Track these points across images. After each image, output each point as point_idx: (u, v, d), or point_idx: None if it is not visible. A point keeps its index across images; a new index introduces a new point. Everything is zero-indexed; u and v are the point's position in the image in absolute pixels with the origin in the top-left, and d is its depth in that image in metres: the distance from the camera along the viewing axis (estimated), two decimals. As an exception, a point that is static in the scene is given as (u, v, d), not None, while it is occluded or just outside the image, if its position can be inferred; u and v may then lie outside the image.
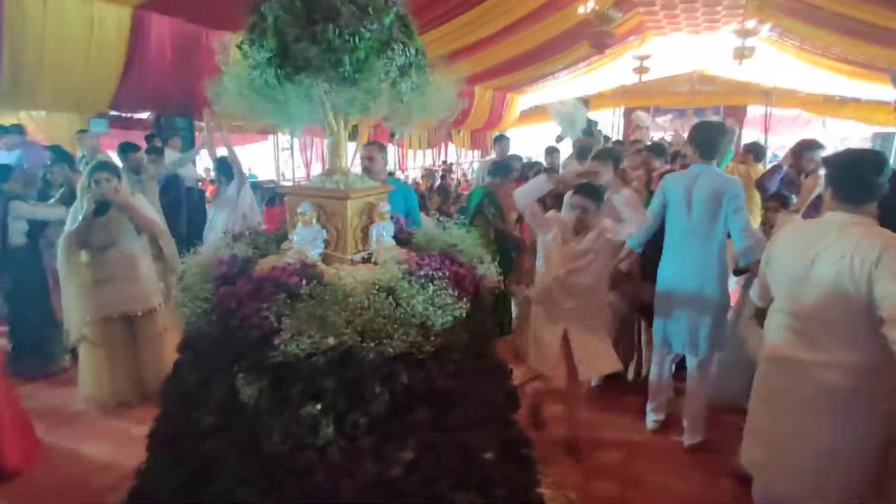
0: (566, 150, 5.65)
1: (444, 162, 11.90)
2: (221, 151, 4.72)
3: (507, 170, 4.32)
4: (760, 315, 2.51)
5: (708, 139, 2.90)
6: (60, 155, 4.91)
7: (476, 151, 12.69)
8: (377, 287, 1.64)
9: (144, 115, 7.26)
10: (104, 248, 3.16)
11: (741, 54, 9.18)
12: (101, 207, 3.09)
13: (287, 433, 1.53)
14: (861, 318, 1.74)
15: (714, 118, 11.57)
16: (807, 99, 11.57)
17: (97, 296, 3.20)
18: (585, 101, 6.15)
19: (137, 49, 5.48)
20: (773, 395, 1.99)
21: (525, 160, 6.13)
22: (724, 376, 3.23)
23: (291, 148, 9.22)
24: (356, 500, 1.51)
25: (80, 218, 3.02)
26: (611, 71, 11.39)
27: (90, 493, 2.67)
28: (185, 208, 5.99)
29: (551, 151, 5.74)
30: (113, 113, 6.55)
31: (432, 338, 1.63)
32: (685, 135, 4.04)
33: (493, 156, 6.51)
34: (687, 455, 2.97)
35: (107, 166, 3.19)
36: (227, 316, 1.65)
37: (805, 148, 3.80)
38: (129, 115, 7.07)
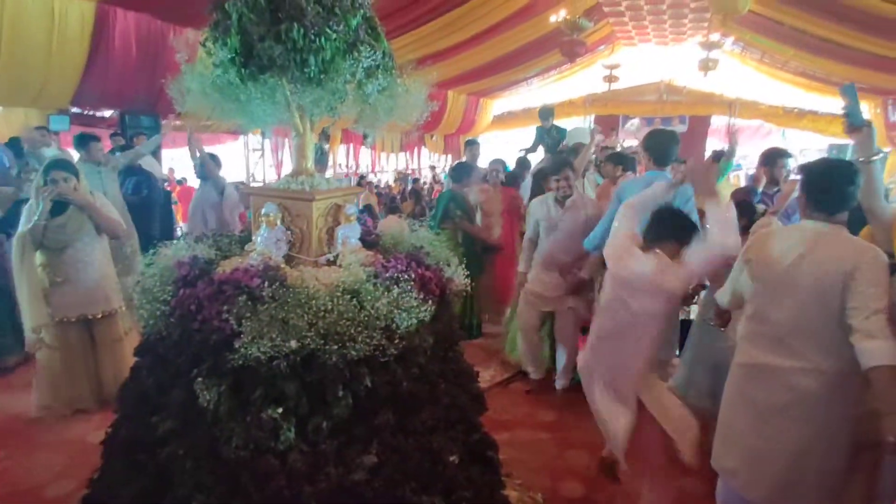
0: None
1: (412, 169, 11.92)
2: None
3: (467, 172, 4.42)
4: (721, 316, 2.57)
5: (662, 147, 2.98)
6: (17, 150, 4.73)
7: (448, 156, 12.74)
8: (341, 289, 1.63)
9: (108, 113, 7.06)
10: (61, 249, 3.04)
11: (706, 66, 9.47)
12: (58, 207, 2.98)
13: (247, 438, 1.51)
14: (835, 325, 1.77)
15: (681, 127, 11.94)
16: (767, 110, 12.04)
17: (54, 298, 3.07)
18: (550, 110, 6.25)
19: (101, 44, 5.33)
20: (747, 401, 2.00)
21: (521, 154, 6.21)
22: (689, 377, 3.31)
23: (263, 149, 9.09)
24: (318, 504, 1.49)
25: (35, 218, 2.90)
26: (581, 79, 11.61)
27: (44, 503, 2.57)
28: (157, 209, 5.83)
29: (522, 163, 5.86)
30: (75, 110, 6.35)
31: (397, 340, 1.63)
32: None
33: (463, 160, 6.57)
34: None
35: (64, 164, 3.07)
36: (187, 318, 1.62)
37: (777, 155, 3.93)
38: (91, 112, 6.86)
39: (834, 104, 10.81)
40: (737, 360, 2.09)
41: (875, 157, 1.99)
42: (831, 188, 1.88)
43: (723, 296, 2.26)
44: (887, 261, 1.78)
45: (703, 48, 9.51)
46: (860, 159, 1.99)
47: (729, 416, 2.10)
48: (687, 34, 10.38)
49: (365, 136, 8.77)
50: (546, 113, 6.24)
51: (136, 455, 1.63)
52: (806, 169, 2.04)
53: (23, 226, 2.95)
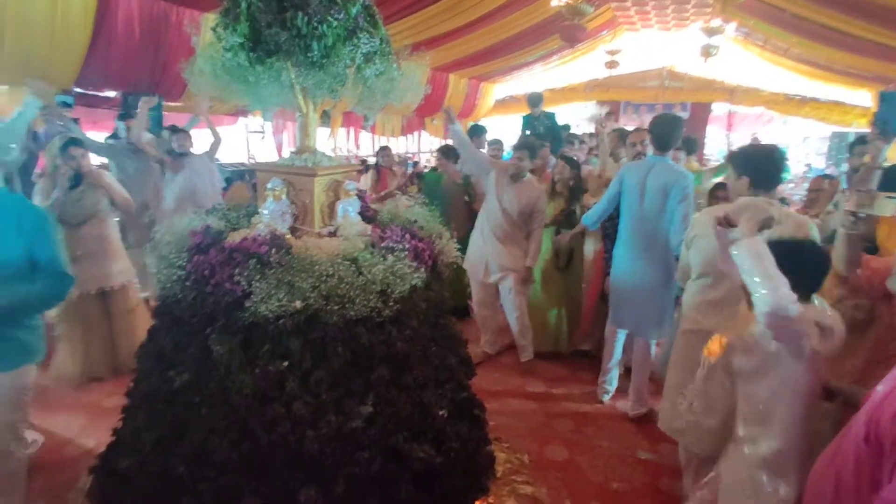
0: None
1: (412, 154, 11.98)
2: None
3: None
4: None
5: (665, 133, 3.07)
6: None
7: (449, 140, 12.79)
8: (341, 257, 1.79)
9: (111, 94, 7.15)
10: (78, 225, 3.20)
11: (707, 52, 9.50)
12: (73, 181, 3.13)
13: (256, 388, 1.68)
14: None
15: (682, 114, 11.97)
16: (769, 98, 12.04)
17: (74, 273, 3.24)
18: (539, 96, 6.31)
19: (104, 25, 5.39)
20: (689, 363, 2.16)
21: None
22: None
23: (263, 131, 9.19)
24: (320, 449, 1.67)
25: (55, 193, 3.05)
26: (583, 64, 11.59)
27: (64, 461, 2.75)
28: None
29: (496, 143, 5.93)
30: (78, 90, 6.44)
31: (391, 304, 1.79)
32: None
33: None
34: (632, 424, 3.22)
35: (77, 141, 3.22)
36: (201, 282, 1.78)
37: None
38: (94, 93, 6.95)
39: (836, 92, 10.84)
40: (682, 326, 2.33)
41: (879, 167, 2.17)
42: (771, 169, 2.12)
43: (679, 276, 2.54)
44: None
45: (705, 34, 9.53)
46: (872, 165, 2.17)
47: (673, 378, 2.33)
48: (689, 19, 10.37)
49: (365, 119, 8.81)
50: (535, 100, 6.32)
51: (156, 405, 1.81)
52: (744, 154, 2.27)
53: (41, 203, 3.10)
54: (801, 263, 1.58)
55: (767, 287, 1.46)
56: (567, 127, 7.06)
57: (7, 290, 1.71)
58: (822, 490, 1.36)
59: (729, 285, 2.07)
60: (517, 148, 3.74)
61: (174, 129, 4.93)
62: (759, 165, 2.09)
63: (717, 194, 3.56)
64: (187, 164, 4.57)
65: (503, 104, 13.02)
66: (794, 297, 1.46)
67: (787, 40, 9.55)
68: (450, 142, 5.75)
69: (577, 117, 12.35)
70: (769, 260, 1.50)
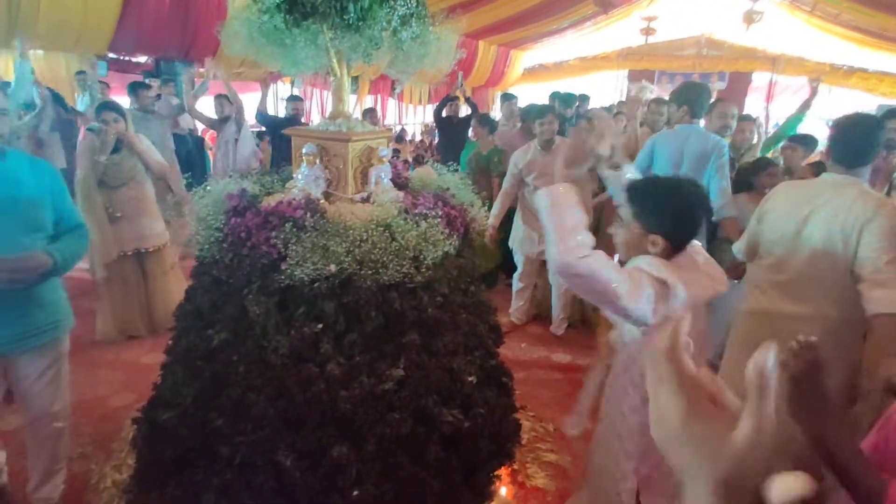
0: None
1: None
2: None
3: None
4: (735, 270, 2.66)
5: (700, 100, 3.02)
6: (54, 97, 4.96)
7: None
8: (375, 222, 1.80)
9: (143, 59, 7.22)
10: (118, 188, 3.29)
11: (750, 17, 9.03)
12: (114, 146, 3.20)
13: (291, 348, 1.72)
14: (845, 274, 1.84)
15: (719, 84, 11.49)
16: (814, 67, 11.41)
17: (113, 233, 3.35)
18: (511, 96, 5.99)
19: (136, -10, 5.43)
20: (751, 345, 2.11)
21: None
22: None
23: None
24: (352, 408, 1.72)
25: (98, 157, 3.13)
26: (616, 31, 11.16)
27: (107, 413, 2.90)
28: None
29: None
30: (111, 55, 6.52)
31: (423, 270, 1.80)
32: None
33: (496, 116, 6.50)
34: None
35: (114, 106, 3.27)
36: (238, 244, 1.82)
37: None
38: (127, 58, 7.03)
39: (886, 61, 10.23)
40: (745, 306, 2.18)
41: None
42: (853, 140, 1.91)
43: (738, 247, 2.34)
44: None
45: (749, -1, 9.05)
46: None
47: (732, 359, 2.20)
48: (733, -17, 9.84)
49: (393, 87, 8.69)
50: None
51: (195, 361, 1.87)
52: (834, 122, 2.08)
53: (83, 167, 3.18)
54: (676, 205, 1.45)
55: (554, 238, 1.35)
56: (585, 98, 6.84)
57: (57, 248, 1.77)
58: None
59: (798, 266, 1.96)
60: (541, 113, 3.63)
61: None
62: (847, 139, 1.93)
63: (762, 172, 3.39)
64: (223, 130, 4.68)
65: (532, 72, 12.70)
66: (585, 248, 1.33)
67: (838, 5, 8.99)
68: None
69: (609, 87, 12.01)
70: (568, 208, 1.37)
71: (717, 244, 3.48)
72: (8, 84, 4.35)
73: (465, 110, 5.76)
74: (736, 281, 2.86)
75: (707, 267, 1.51)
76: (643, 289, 1.34)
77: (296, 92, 6.81)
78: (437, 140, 6.65)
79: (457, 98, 5.44)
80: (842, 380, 1.92)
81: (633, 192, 1.53)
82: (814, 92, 4.14)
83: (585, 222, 1.38)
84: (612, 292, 1.31)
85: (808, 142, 3.79)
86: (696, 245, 1.56)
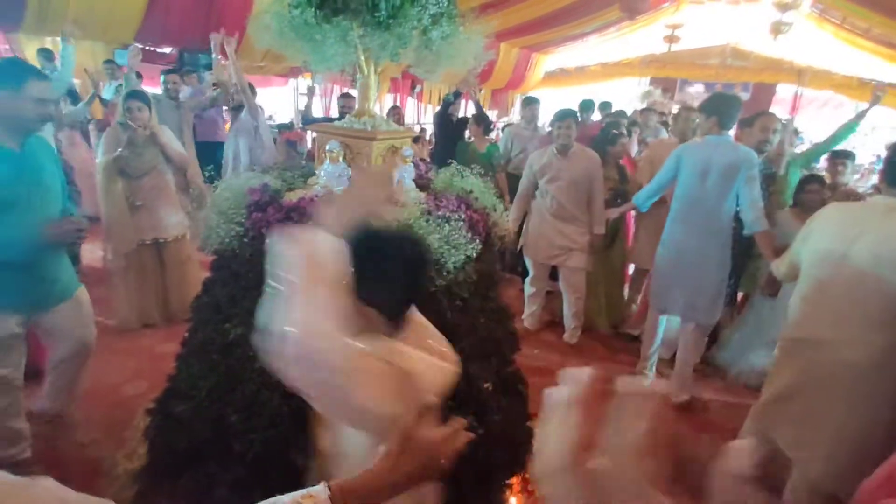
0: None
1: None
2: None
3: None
4: (771, 285, 2.58)
5: (730, 111, 2.97)
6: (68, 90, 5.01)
7: (495, 111, 12.55)
8: (396, 222, 1.77)
9: (168, 50, 7.29)
10: (139, 177, 3.31)
11: (778, 29, 8.88)
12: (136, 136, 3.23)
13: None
14: (890, 299, 1.76)
15: (743, 95, 11.33)
16: (841, 81, 11.22)
17: (133, 222, 3.38)
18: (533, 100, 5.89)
19: (163, -21, 5.48)
20: (791, 371, 2.02)
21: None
22: (744, 355, 3.39)
23: (313, 93, 9.22)
24: (367, 409, 1.69)
25: (122, 145, 3.15)
26: (640, 38, 11.04)
27: (120, 400, 2.91)
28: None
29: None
30: (137, 45, 6.60)
31: (445, 273, 1.77)
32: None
33: (515, 119, 6.44)
34: (672, 411, 3.15)
35: (140, 95, 3.29)
36: (258, 239, 1.81)
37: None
38: (152, 48, 7.10)
39: (915, 78, 10.01)
40: (786, 330, 2.10)
41: None
42: None
43: (779, 266, 2.26)
44: None
45: (778, 9, 8.90)
46: None
47: (778, 385, 2.09)
48: (763, -7, 9.69)
49: (413, 87, 8.66)
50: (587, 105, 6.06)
51: (211, 355, 1.87)
52: (891, 145, 2.02)
53: (105, 154, 3.20)
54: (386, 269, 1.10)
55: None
56: (607, 105, 6.76)
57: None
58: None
59: (841, 290, 1.88)
60: (561, 117, 3.59)
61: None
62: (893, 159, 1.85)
63: (807, 188, 3.30)
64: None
65: (553, 77, 12.61)
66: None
67: (868, 19, 8.82)
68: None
69: (630, 94, 11.89)
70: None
71: (754, 260, 3.41)
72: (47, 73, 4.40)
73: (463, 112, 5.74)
74: (772, 297, 2.80)
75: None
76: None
77: (316, 88, 6.77)
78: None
79: (459, 95, 5.42)
80: (890, 409, 1.83)
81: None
82: (875, 101, 3.97)
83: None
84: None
85: (852, 157, 3.72)
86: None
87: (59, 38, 4.24)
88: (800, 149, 4.89)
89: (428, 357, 1.15)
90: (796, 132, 3.84)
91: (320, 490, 0.83)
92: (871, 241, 1.81)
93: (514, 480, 2.17)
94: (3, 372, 2.06)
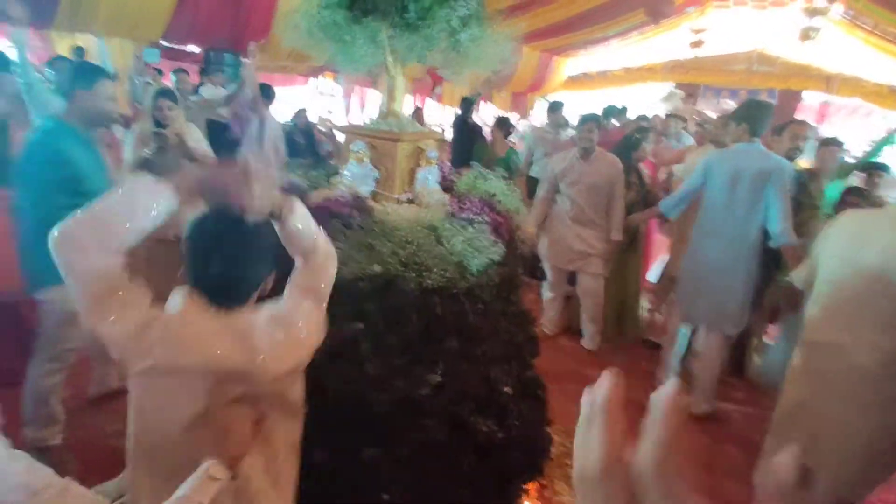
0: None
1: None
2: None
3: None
4: (789, 297, 2.53)
5: (762, 118, 2.92)
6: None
7: (515, 114, 12.51)
8: (421, 224, 1.77)
9: (195, 49, 7.41)
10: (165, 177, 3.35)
11: (806, 34, 8.70)
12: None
13: (331, 346, 1.71)
14: None
15: (769, 101, 11.10)
16: (871, 89, 10.95)
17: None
18: (559, 104, 5.82)
19: (192, -22, 5.57)
20: (807, 375, 2.02)
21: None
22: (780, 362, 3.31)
23: (334, 94, 9.32)
24: (387, 411, 1.69)
25: (149, 146, 3.19)
26: (663, 42, 10.89)
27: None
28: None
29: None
30: (164, 44, 6.71)
31: (467, 276, 1.77)
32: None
33: (533, 122, 6.40)
34: (694, 421, 3.10)
35: (169, 94, 3.34)
36: (284, 238, 1.82)
37: None
38: (179, 47, 7.22)
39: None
40: (803, 336, 2.08)
41: None
42: None
43: (798, 275, 2.24)
44: None
45: (807, 15, 8.72)
46: None
47: (792, 393, 2.09)
48: (791, -3, 9.51)
49: (434, 87, 8.66)
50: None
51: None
52: None
53: (131, 153, 3.25)
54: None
55: None
56: (623, 109, 6.69)
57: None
58: None
59: (850, 293, 1.88)
60: (584, 121, 3.57)
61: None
62: None
63: (849, 200, 3.24)
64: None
65: (574, 80, 12.52)
66: None
67: (901, 25, 8.60)
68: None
69: (651, 98, 11.76)
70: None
71: (783, 272, 3.32)
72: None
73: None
74: (793, 313, 2.72)
75: None
76: None
77: (339, 88, 6.84)
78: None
79: (479, 97, 5.42)
80: None
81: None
82: None
83: None
84: None
85: (888, 170, 3.66)
86: None
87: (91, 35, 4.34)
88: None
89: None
90: (839, 145, 3.69)
91: None
92: (882, 245, 1.82)
93: (532, 485, 2.15)
94: (70, 346, 2.17)
